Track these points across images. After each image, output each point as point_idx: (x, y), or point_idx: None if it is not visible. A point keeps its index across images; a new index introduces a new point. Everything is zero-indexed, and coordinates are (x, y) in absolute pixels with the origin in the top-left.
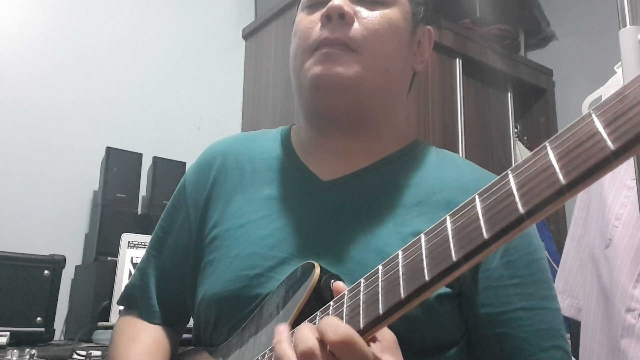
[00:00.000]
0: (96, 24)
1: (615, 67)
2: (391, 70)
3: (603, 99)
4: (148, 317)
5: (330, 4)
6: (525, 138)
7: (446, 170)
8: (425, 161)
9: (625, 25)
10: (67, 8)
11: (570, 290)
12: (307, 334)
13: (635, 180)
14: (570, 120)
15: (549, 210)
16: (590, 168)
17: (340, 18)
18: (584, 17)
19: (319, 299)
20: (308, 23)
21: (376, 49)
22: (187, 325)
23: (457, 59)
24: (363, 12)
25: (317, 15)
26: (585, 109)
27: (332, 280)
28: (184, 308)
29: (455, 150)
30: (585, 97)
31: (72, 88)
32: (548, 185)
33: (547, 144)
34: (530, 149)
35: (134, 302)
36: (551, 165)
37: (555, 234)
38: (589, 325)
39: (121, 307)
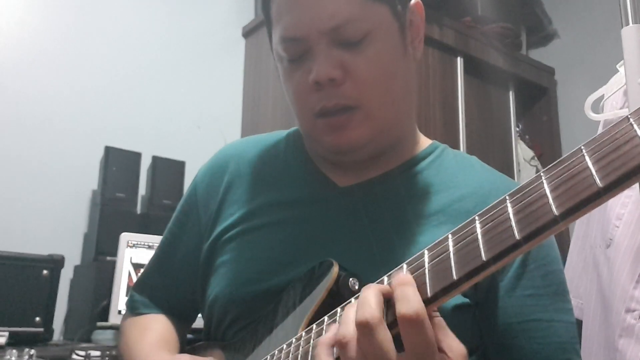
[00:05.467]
0: (95, 23)
1: (617, 66)
2: (396, 94)
3: (605, 97)
4: (155, 311)
5: (316, 73)
6: (527, 137)
7: (465, 178)
8: (444, 167)
9: (627, 24)
10: (66, 7)
11: (575, 289)
12: (373, 301)
13: None
14: (572, 119)
15: (584, 212)
16: (628, 171)
17: (330, 82)
18: (586, 15)
19: (337, 296)
20: (298, 83)
21: (375, 92)
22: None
23: (459, 58)
24: (348, 59)
25: (304, 72)
26: (587, 108)
27: (351, 278)
28: (192, 310)
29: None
30: (587, 96)
31: (71, 87)
32: (584, 188)
33: (582, 147)
34: (532, 148)
35: (139, 305)
36: (587, 168)
37: (557, 234)
38: (588, 325)
39: (121, 308)
